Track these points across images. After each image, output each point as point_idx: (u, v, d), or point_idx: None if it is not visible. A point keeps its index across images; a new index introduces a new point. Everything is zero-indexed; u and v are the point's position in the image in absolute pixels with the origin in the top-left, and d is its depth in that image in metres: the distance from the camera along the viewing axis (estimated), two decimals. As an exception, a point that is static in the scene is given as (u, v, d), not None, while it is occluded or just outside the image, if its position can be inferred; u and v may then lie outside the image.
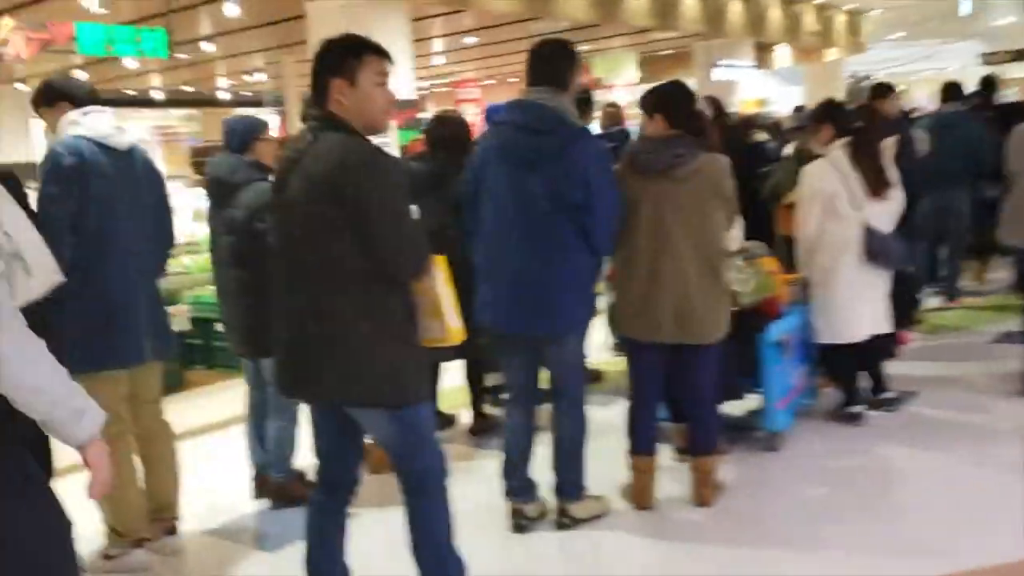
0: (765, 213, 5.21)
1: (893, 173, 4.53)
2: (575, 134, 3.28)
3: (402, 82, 11.24)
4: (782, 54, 21.58)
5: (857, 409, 4.55)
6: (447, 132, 4.52)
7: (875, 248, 4.40)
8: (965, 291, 7.38)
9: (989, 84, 7.87)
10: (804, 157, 4.85)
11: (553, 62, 3.36)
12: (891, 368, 5.25)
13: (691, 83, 19.82)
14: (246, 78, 21.68)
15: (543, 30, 16.14)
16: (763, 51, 20.65)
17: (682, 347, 3.48)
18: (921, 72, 33.94)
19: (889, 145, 5.13)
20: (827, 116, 4.78)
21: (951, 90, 7.20)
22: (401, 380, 2.54)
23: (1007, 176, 5.29)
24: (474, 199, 3.45)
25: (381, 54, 2.59)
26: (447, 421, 4.95)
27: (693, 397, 3.59)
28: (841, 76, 21.90)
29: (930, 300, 7.09)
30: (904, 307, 6.24)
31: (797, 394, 4.52)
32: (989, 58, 21.49)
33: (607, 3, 13.70)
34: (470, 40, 16.33)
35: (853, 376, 4.63)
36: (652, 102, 3.52)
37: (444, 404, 4.93)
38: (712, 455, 3.66)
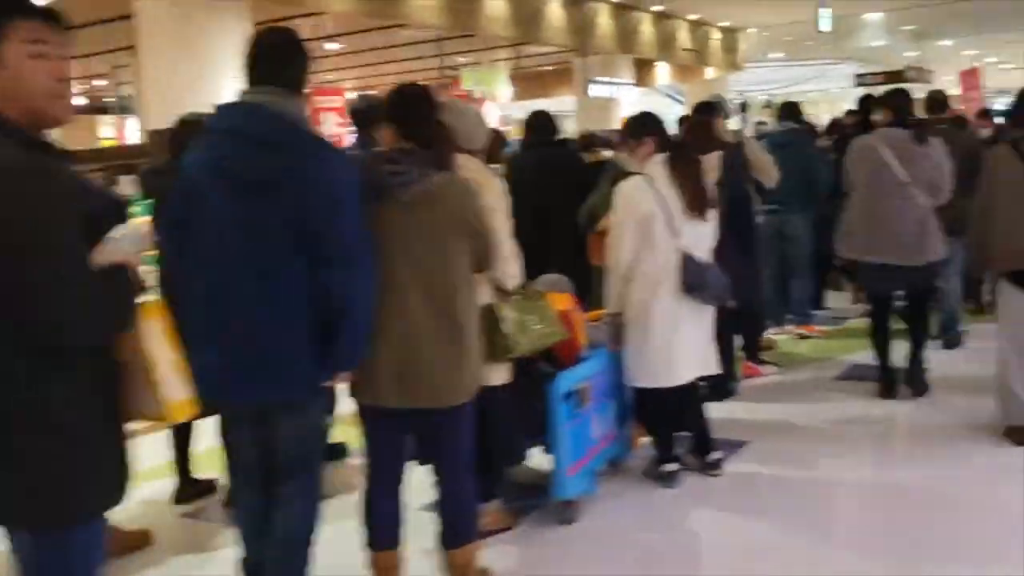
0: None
1: (713, 193, 4.01)
2: (316, 147, 2.57)
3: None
4: (662, 72, 21.49)
5: (672, 468, 3.95)
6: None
7: (694, 279, 3.85)
8: (837, 315, 7.17)
9: (865, 104, 7.57)
10: (621, 176, 4.25)
11: (282, 56, 2.61)
12: (725, 411, 4.77)
13: (569, 100, 19.62)
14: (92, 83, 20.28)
15: (410, 38, 15.52)
16: (644, 68, 20.51)
17: (427, 411, 2.79)
18: (806, 93, 34.83)
19: (713, 164, 4.66)
20: (646, 130, 4.21)
21: (786, 109, 6.96)
22: (56, 490, 1.88)
23: (845, 192, 5.10)
24: (179, 230, 2.68)
25: (36, 15, 1.88)
26: (206, 488, 4.17)
27: (442, 473, 2.90)
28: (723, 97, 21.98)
29: (787, 327, 6.77)
30: (752, 338, 5.85)
31: (602, 450, 3.90)
32: (863, 79, 21.85)
33: (463, 10, 13.12)
34: (331, 47, 15.54)
35: (670, 428, 4.05)
36: (384, 107, 2.85)
37: (198, 469, 4.16)
38: (472, 543, 2.96)
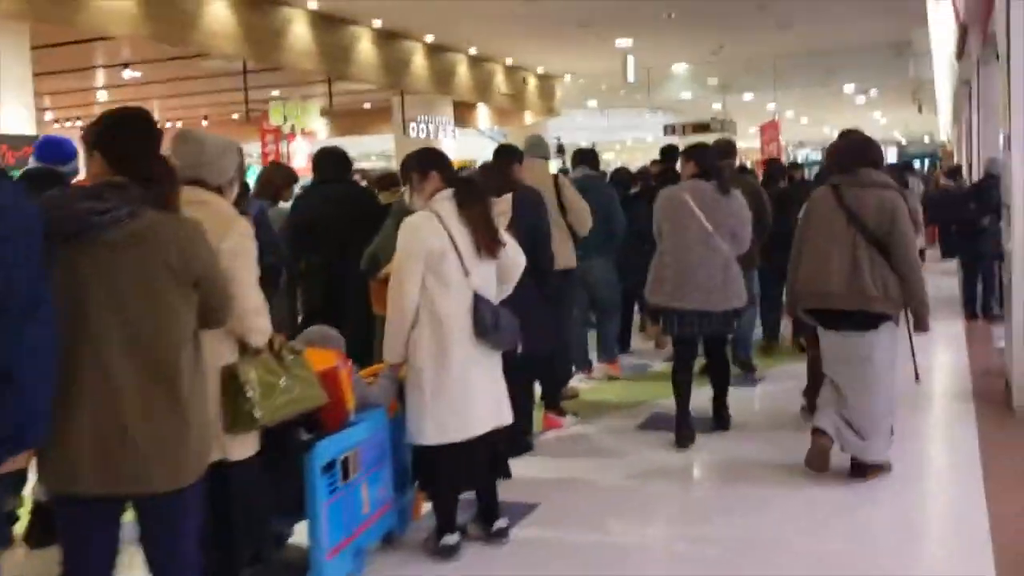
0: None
1: (504, 235, 3.76)
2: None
3: (19, 115, 9.66)
4: (482, 114, 21.58)
5: (452, 540, 3.60)
6: None
7: (489, 322, 3.57)
8: (644, 360, 7.16)
9: (668, 153, 7.79)
10: (406, 216, 3.91)
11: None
12: (520, 467, 4.52)
13: (388, 139, 19.29)
14: None
15: (216, 70, 14.80)
16: (464, 110, 20.51)
17: (137, 496, 2.33)
18: (625, 140, 36.17)
19: (504, 208, 4.44)
20: (431, 164, 3.86)
21: (580, 155, 7.04)
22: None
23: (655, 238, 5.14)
24: None
25: None
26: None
27: (162, 567, 2.42)
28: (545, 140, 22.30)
29: (594, 371, 6.71)
30: (552, 387, 5.64)
31: (374, 524, 3.51)
32: (671, 129, 22.77)
33: (265, 42, 12.61)
34: (131, 75, 14.58)
35: (455, 491, 3.70)
36: (93, 132, 2.40)
37: None
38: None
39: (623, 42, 15.51)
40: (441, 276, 3.52)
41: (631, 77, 15.80)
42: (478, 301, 3.58)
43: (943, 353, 7.35)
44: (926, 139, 43.09)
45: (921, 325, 4.41)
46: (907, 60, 18.73)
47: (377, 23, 14.76)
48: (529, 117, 21.20)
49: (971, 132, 13.82)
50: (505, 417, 3.77)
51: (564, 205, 5.66)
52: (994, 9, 8.20)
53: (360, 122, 22.42)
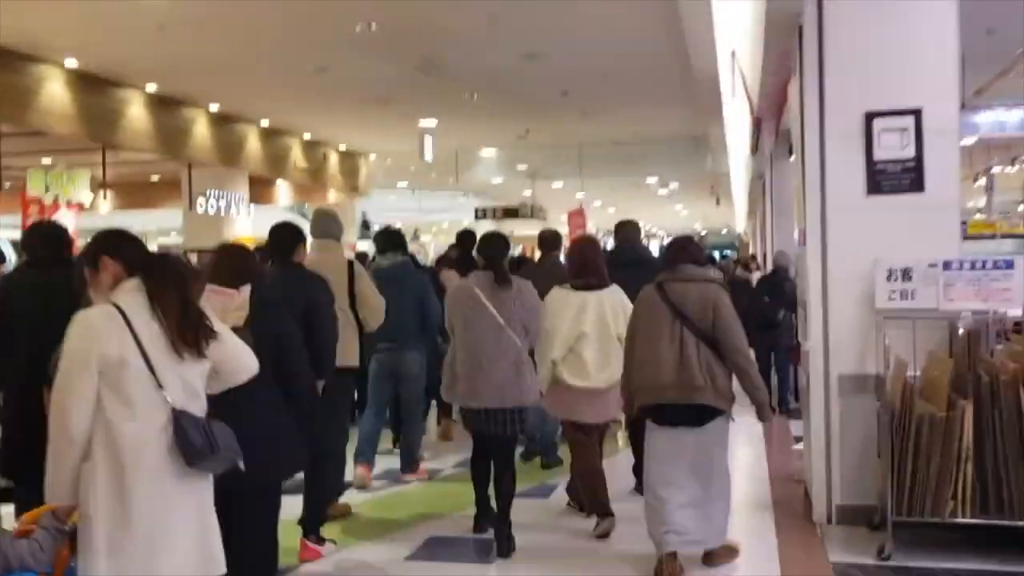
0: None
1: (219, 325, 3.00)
2: None
3: None
4: (283, 190, 20.65)
5: None
6: None
7: (198, 444, 2.77)
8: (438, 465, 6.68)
9: (464, 238, 7.70)
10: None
11: None
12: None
13: (177, 214, 17.89)
14: None
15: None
16: (262, 186, 19.53)
17: None
18: (442, 222, 36.02)
19: (239, 302, 3.68)
20: (102, 250, 3.03)
21: (384, 237, 6.44)
22: None
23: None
24: None
25: None
26: None
27: None
28: (353, 219, 21.60)
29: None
30: (314, 507, 4.82)
31: None
32: (482, 213, 22.70)
33: (7, 100, 11.23)
34: None
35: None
36: None
37: None
38: None
39: (427, 122, 15.17)
40: (120, 391, 2.73)
41: (428, 156, 15.40)
42: (180, 419, 2.79)
43: (741, 455, 7.11)
44: (724, 231, 45.77)
45: (763, 414, 4.41)
46: (705, 154, 19.52)
47: (151, 87, 13.61)
48: (333, 195, 20.45)
49: (765, 224, 14.35)
50: (216, 566, 2.96)
51: (355, 295, 5.15)
52: (787, 104, 8.45)
53: (147, 195, 20.93)
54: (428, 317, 6.03)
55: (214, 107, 15.25)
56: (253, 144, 17.14)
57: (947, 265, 4.71)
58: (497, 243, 4.93)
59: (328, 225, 5.36)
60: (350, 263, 5.27)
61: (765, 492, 5.97)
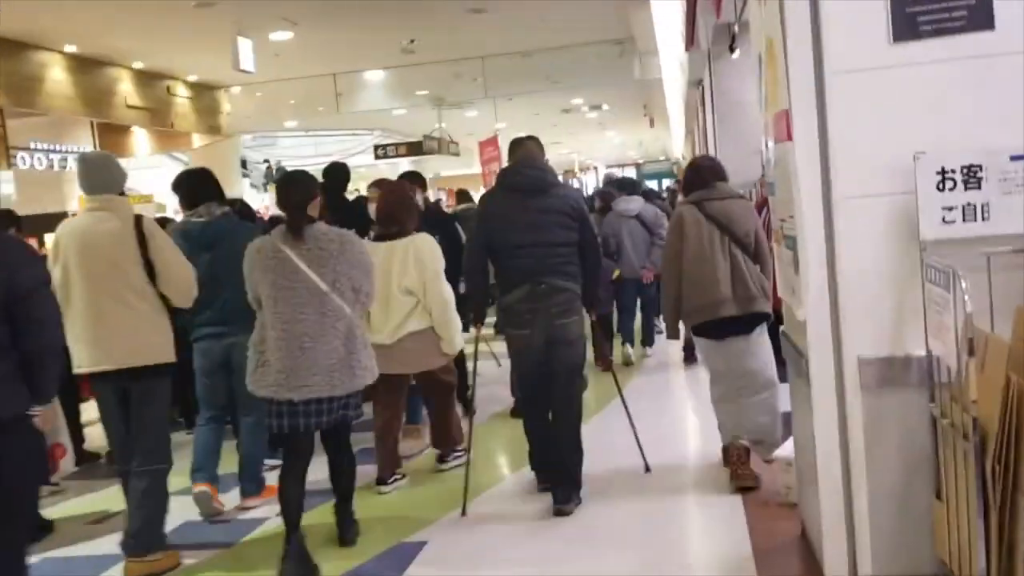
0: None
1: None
2: None
3: None
4: (141, 139, 18.03)
5: None
6: None
7: None
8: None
9: (331, 174, 6.70)
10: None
11: None
12: None
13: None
14: None
15: None
16: (119, 134, 16.97)
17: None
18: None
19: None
20: None
21: (192, 186, 5.15)
22: None
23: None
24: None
25: None
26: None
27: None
28: (234, 167, 19.08)
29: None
30: None
31: None
32: (381, 151, 20.41)
33: None
34: None
35: None
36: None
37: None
38: None
39: (279, 35, 12.62)
40: None
41: (248, 65, 12.49)
42: None
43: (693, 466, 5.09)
44: (662, 157, 44.15)
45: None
46: (632, 58, 17.42)
47: None
48: (198, 140, 17.84)
49: (707, 140, 12.71)
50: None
51: (151, 265, 4.29)
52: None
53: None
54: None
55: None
56: (57, 77, 14.41)
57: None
58: (300, 184, 4.22)
59: (100, 174, 4.38)
60: (138, 219, 4.32)
61: (742, 535, 3.95)
